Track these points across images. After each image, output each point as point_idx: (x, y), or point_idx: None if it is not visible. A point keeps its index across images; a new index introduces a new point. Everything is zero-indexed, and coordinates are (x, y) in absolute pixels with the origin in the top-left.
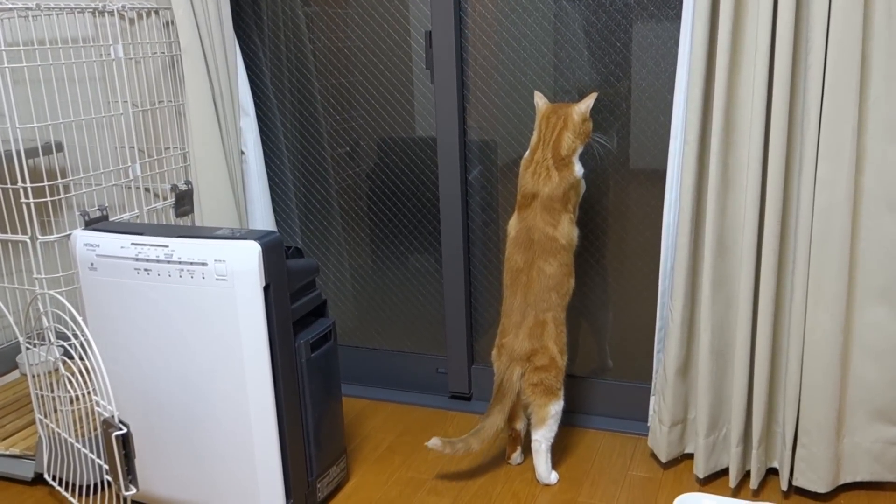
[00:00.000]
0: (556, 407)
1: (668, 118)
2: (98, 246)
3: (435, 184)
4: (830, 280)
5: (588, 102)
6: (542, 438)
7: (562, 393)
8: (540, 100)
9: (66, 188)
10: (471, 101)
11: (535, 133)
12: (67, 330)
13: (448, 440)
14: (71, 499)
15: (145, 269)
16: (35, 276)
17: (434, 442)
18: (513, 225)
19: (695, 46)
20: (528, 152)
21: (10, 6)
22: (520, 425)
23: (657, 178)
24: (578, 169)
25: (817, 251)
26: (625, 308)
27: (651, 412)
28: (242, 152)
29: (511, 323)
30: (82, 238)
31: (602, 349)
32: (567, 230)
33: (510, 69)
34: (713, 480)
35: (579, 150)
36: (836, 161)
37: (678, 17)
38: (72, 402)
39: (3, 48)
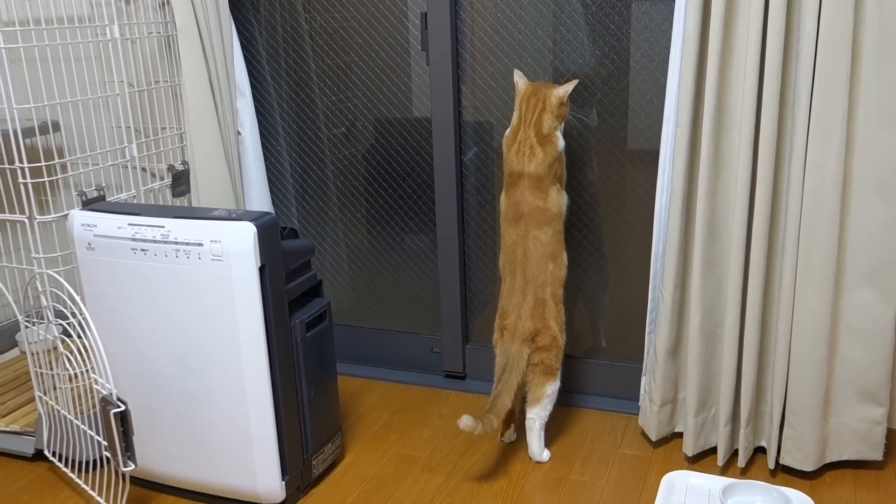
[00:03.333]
0: (552, 387)
1: (662, 101)
2: (95, 226)
3: (430, 164)
4: (819, 262)
5: (567, 88)
6: (537, 417)
7: (559, 373)
8: (519, 78)
9: (64, 168)
10: (466, 82)
11: (516, 113)
12: (66, 309)
13: (478, 418)
14: (70, 474)
15: (142, 250)
16: (33, 255)
17: (466, 422)
18: (503, 202)
19: (688, 30)
20: (509, 130)
21: None
22: (515, 404)
23: (651, 160)
24: (561, 143)
25: (806, 234)
26: (618, 289)
27: (642, 392)
28: (239, 133)
29: (511, 304)
30: (80, 218)
31: (596, 329)
32: (556, 199)
33: (505, 51)
34: (702, 459)
35: (560, 128)
36: (826, 145)
37: None
38: (70, 379)
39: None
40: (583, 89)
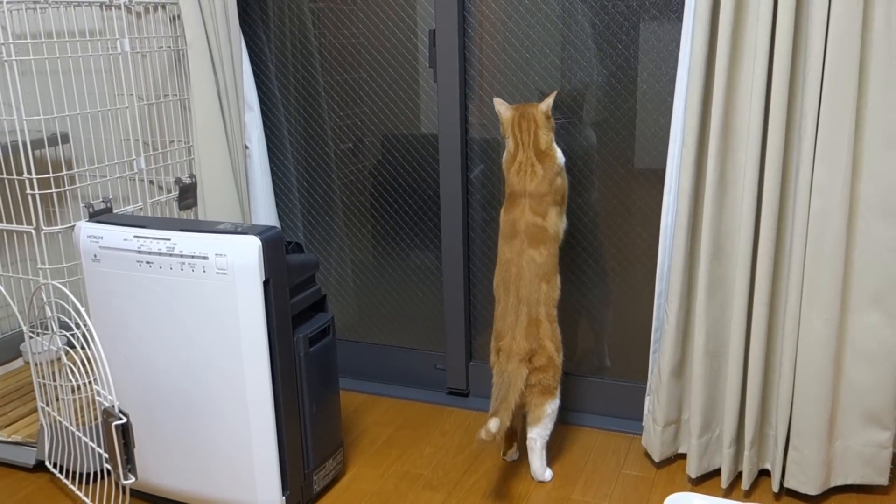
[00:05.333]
0: (552, 406)
1: (668, 120)
2: (101, 238)
3: (436, 181)
4: (824, 284)
5: (549, 102)
6: (538, 436)
7: (558, 392)
8: (500, 105)
9: (72, 180)
10: (473, 99)
11: (510, 139)
12: (70, 320)
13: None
14: (71, 486)
15: (147, 262)
16: (39, 266)
17: (491, 426)
18: (501, 220)
19: (695, 50)
20: (507, 154)
21: None
22: (516, 422)
23: (657, 179)
24: (560, 156)
25: (812, 255)
26: (623, 308)
27: (646, 412)
28: (246, 147)
29: (506, 325)
30: (86, 230)
31: (600, 348)
32: (554, 221)
33: (512, 69)
34: (705, 481)
35: (553, 139)
36: (833, 166)
37: (680, 19)
38: (73, 391)
39: (11, 40)
40: (586, 107)
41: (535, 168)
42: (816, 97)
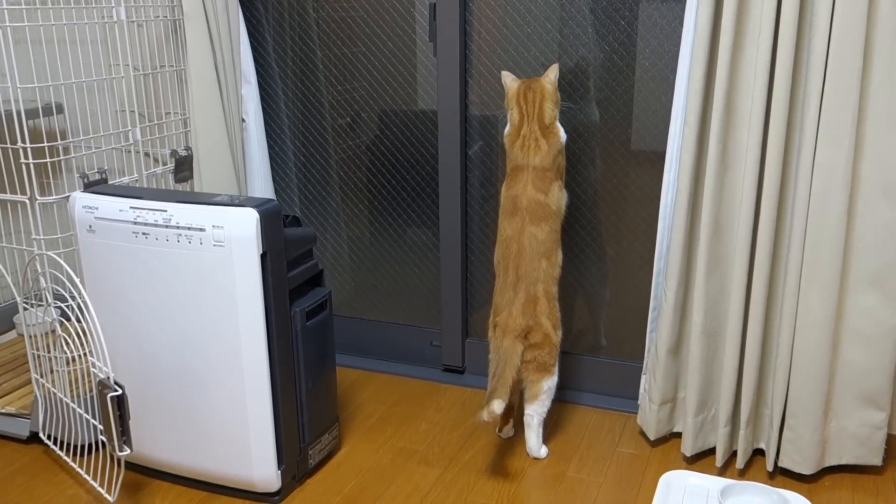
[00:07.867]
0: (549, 382)
1: (670, 99)
2: (97, 208)
3: (435, 157)
4: (824, 265)
5: (555, 72)
6: (535, 413)
7: (556, 369)
8: (507, 77)
9: (66, 150)
10: (473, 75)
11: (515, 110)
12: (65, 291)
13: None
14: (65, 458)
15: (143, 233)
16: (33, 236)
17: (495, 408)
18: (502, 196)
19: (698, 27)
20: (509, 128)
21: None
22: (513, 398)
23: (657, 158)
24: (562, 134)
25: (812, 236)
26: (620, 287)
27: (642, 390)
28: (243, 120)
29: (504, 301)
30: (81, 200)
31: (597, 327)
32: (557, 196)
33: (513, 44)
34: (700, 459)
35: (557, 116)
36: (835, 146)
37: None
38: (68, 362)
39: (4, 6)
40: (589, 83)
41: (539, 142)
42: (821, 77)
